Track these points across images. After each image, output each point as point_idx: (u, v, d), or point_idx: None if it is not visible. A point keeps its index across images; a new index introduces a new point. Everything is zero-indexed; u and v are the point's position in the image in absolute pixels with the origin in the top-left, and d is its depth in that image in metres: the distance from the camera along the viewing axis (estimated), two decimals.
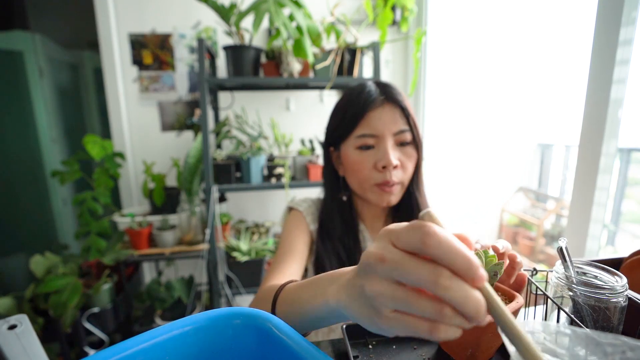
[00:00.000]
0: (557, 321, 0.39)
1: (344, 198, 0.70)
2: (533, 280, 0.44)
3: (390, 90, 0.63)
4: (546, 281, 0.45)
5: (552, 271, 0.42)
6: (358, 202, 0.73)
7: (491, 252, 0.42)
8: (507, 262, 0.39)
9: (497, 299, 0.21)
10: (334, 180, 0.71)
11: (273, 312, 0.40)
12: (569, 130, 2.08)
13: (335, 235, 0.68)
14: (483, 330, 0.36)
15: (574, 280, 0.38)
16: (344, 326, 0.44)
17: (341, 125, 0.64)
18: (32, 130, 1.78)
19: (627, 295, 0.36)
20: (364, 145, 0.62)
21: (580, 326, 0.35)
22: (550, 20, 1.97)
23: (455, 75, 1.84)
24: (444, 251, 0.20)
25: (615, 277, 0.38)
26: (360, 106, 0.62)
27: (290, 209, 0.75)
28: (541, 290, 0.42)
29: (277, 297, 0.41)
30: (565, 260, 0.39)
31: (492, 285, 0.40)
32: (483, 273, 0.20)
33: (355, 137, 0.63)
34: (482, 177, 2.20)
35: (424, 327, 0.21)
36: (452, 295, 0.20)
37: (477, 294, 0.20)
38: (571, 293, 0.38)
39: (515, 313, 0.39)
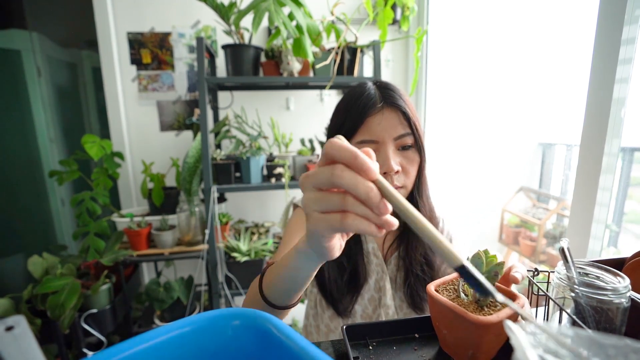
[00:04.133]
0: (559, 322, 0.39)
1: None
2: (535, 281, 0.44)
3: (390, 93, 0.62)
4: (548, 282, 0.44)
5: (553, 272, 0.41)
6: None
7: (492, 253, 0.42)
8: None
9: (392, 189, 0.27)
10: None
11: (260, 285, 0.46)
12: (571, 129, 2.08)
13: None
14: (484, 331, 0.36)
15: (576, 281, 0.38)
16: (344, 327, 0.44)
17: (340, 131, 0.63)
18: (30, 130, 1.78)
19: (629, 296, 0.36)
20: None
21: (582, 327, 0.34)
22: (551, 18, 1.97)
23: (456, 74, 1.84)
24: (337, 151, 0.27)
25: (618, 277, 0.37)
26: (359, 112, 0.61)
27: (295, 206, 0.75)
28: (543, 291, 0.42)
29: (264, 272, 0.47)
30: (567, 261, 0.39)
31: (492, 285, 0.40)
32: (372, 167, 0.26)
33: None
34: (483, 176, 2.20)
35: (337, 218, 0.28)
36: (345, 182, 0.26)
37: (367, 182, 0.26)
38: (573, 294, 0.38)
39: (517, 314, 0.39)
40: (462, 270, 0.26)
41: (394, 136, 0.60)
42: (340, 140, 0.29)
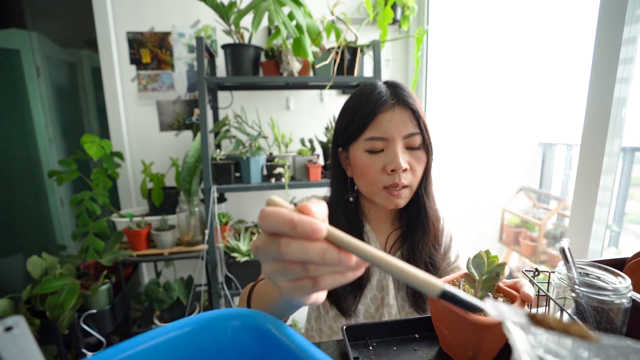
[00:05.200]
0: None
1: (351, 199, 0.69)
2: (535, 281, 0.44)
3: (401, 91, 0.62)
4: (548, 282, 0.44)
5: (554, 272, 0.41)
6: (365, 203, 0.72)
7: (493, 254, 0.42)
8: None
9: (348, 238, 0.24)
10: (342, 180, 0.70)
11: (248, 307, 0.45)
12: (571, 129, 2.08)
13: None
14: (485, 331, 0.36)
15: (577, 281, 0.38)
16: (344, 327, 0.44)
17: (350, 127, 0.63)
18: (30, 130, 1.77)
19: (630, 296, 0.36)
20: (373, 149, 0.61)
21: None
22: (552, 18, 1.97)
23: (456, 74, 1.84)
24: (273, 224, 0.24)
25: (619, 278, 0.37)
26: (370, 108, 0.61)
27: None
28: (543, 292, 0.42)
29: (250, 294, 0.46)
30: (567, 261, 0.39)
31: (493, 286, 0.40)
32: (315, 226, 0.24)
33: (365, 139, 0.62)
34: (483, 176, 2.20)
35: (309, 284, 0.26)
36: (296, 255, 0.24)
37: (316, 245, 0.24)
38: (574, 294, 0.38)
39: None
40: (446, 296, 0.24)
41: (404, 134, 0.61)
42: (274, 203, 0.27)
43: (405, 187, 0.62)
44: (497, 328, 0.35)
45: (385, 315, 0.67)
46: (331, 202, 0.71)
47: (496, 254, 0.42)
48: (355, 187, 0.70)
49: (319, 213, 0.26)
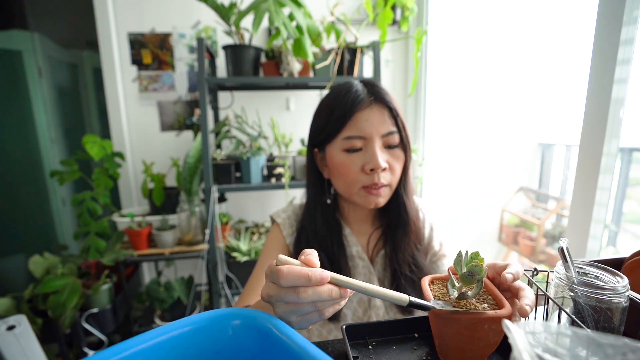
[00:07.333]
0: (558, 322, 0.39)
1: (328, 201, 0.68)
2: (534, 280, 0.44)
3: (378, 90, 0.61)
4: (547, 281, 0.44)
5: (553, 271, 0.42)
6: (343, 205, 0.70)
7: (488, 254, 0.42)
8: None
9: (344, 279, 0.34)
10: (318, 182, 0.68)
11: None
12: (570, 129, 2.08)
13: (317, 241, 0.65)
14: (483, 332, 0.36)
15: (575, 280, 0.38)
16: (344, 326, 0.44)
17: (327, 126, 0.62)
18: (31, 130, 1.78)
19: (628, 295, 0.36)
20: (351, 148, 0.60)
21: (581, 327, 0.35)
22: (551, 19, 1.97)
23: (455, 74, 1.84)
24: (292, 280, 0.32)
25: (617, 277, 0.38)
26: (347, 107, 0.59)
27: (272, 221, 0.73)
28: (542, 291, 0.42)
29: None
30: (566, 261, 0.39)
31: (474, 284, 0.39)
32: (323, 275, 0.33)
33: (342, 139, 0.60)
34: (483, 176, 2.20)
35: (316, 316, 0.35)
36: (311, 297, 0.32)
37: (324, 287, 0.33)
38: (572, 293, 0.38)
39: (512, 317, 0.38)
40: (411, 304, 0.35)
41: (382, 133, 0.60)
42: (285, 262, 0.34)
43: (384, 186, 0.61)
44: (493, 330, 0.35)
45: (373, 317, 0.66)
46: (308, 205, 0.70)
47: (483, 257, 0.40)
48: (333, 190, 0.69)
49: (317, 262, 0.35)
